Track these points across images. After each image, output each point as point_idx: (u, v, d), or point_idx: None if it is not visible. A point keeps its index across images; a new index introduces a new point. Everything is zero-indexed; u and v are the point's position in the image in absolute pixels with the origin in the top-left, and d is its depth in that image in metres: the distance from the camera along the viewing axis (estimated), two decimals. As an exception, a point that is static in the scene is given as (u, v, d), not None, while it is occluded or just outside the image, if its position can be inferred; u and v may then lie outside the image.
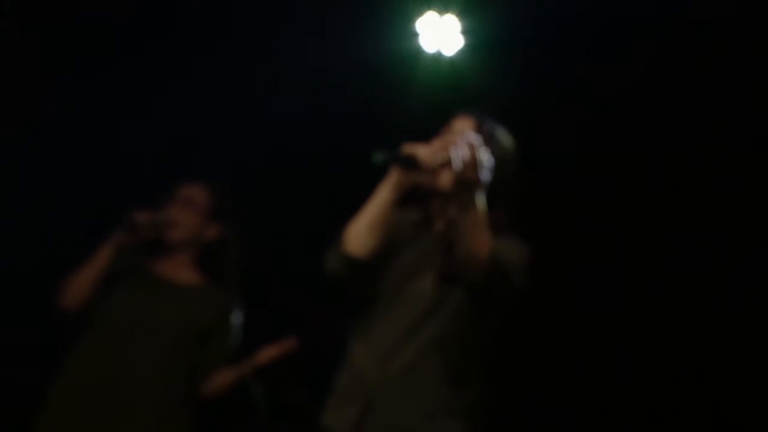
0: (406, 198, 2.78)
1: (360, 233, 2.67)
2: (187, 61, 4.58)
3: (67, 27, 4.51)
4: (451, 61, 4.61)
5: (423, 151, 2.61)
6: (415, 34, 4.60)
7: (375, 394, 2.63)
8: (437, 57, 4.63)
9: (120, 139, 4.60)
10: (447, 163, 2.57)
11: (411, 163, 2.61)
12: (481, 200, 2.52)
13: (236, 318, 3.48)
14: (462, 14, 4.54)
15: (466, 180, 2.49)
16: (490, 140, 2.68)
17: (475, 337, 2.69)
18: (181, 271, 3.49)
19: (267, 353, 3.36)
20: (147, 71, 4.59)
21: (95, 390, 3.24)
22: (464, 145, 2.49)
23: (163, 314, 3.36)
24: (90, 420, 3.21)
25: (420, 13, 4.54)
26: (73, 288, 3.33)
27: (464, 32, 4.59)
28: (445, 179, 2.65)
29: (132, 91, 4.59)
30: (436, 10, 4.54)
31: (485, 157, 2.52)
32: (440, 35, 4.60)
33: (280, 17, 4.47)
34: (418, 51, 4.64)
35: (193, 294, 3.45)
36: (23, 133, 4.50)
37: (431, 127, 2.83)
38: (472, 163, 2.48)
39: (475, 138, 2.53)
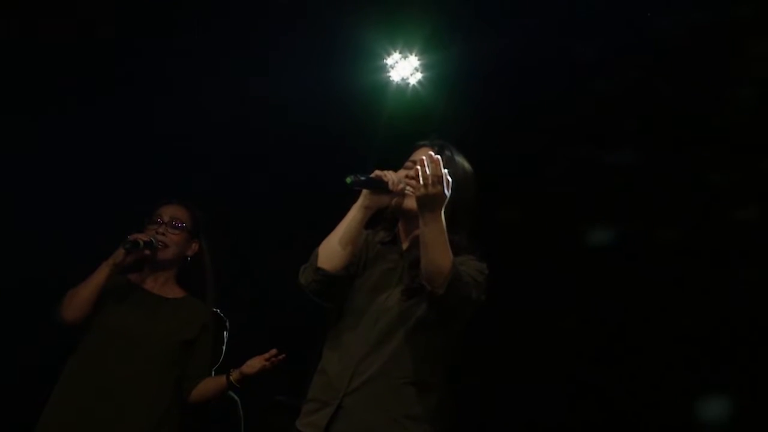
0: (375, 219, 3.00)
1: (332, 250, 2.87)
2: (156, 87, 4.68)
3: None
4: (415, 93, 4.83)
5: (390, 176, 2.84)
6: (382, 69, 4.81)
7: (345, 400, 2.81)
8: (402, 90, 4.85)
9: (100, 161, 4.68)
10: (411, 190, 2.81)
11: (379, 186, 2.84)
12: (442, 218, 2.71)
13: (222, 328, 3.67)
14: (423, 52, 4.76)
15: (431, 195, 2.69)
16: (449, 164, 2.86)
17: (437, 346, 2.87)
18: (165, 286, 3.67)
19: (254, 364, 3.48)
20: (120, 99, 4.66)
21: (90, 402, 3.40)
22: (429, 162, 2.69)
23: (154, 327, 3.53)
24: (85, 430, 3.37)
25: (386, 49, 4.75)
26: (74, 303, 3.49)
27: (425, 68, 4.82)
28: (410, 201, 2.86)
29: (108, 122, 4.67)
30: (399, 48, 4.77)
31: (447, 175, 2.72)
32: (404, 70, 4.83)
33: (256, 47, 4.63)
34: (385, 85, 4.84)
35: (179, 307, 3.62)
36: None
37: (397, 154, 3.05)
38: (437, 178, 2.68)
39: (439, 157, 2.73)
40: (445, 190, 2.71)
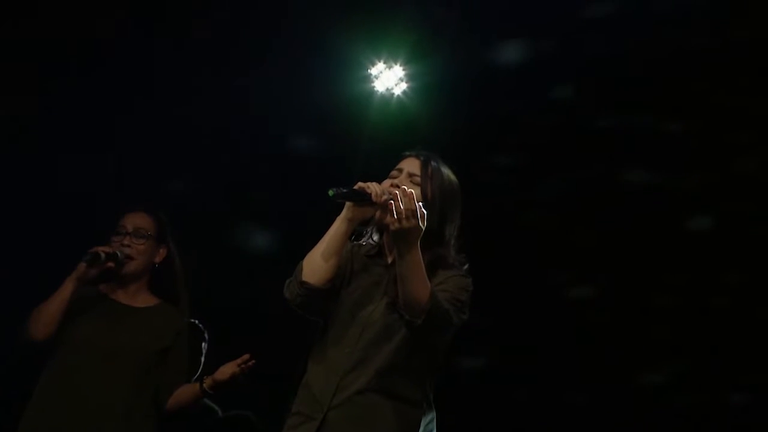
0: (361, 231, 2.98)
1: (315, 262, 2.85)
2: (136, 100, 4.67)
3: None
4: (400, 104, 4.83)
5: (374, 188, 2.81)
6: (367, 79, 4.81)
7: (329, 414, 2.78)
8: (386, 100, 4.84)
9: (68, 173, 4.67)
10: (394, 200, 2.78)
11: (363, 198, 2.81)
12: (418, 250, 2.70)
13: (200, 339, 3.64)
14: (408, 62, 4.76)
15: (405, 229, 2.68)
16: (435, 176, 2.88)
17: (422, 363, 2.86)
18: (137, 296, 3.64)
19: (225, 370, 3.47)
20: (93, 109, 4.65)
21: (65, 416, 3.37)
22: (402, 196, 2.69)
23: (127, 339, 3.50)
24: None
25: (370, 58, 4.75)
26: (41, 320, 3.46)
27: (410, 78, 4.82)
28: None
29: (79, 129, 4.67)
30: (384, 58, 4.76)
31: (421, 207, 2.71)
32: (389, 80, 4.83)
33: (239, 57, 4.63)
34: (369, 95, 4.84)
35: (152, 316, 3.60)
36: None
37: (382, 165, 3.03)
38: (411, 212, 2.68)
39: (412, 191, 2.72)
40: (420, 223, 2.70)
